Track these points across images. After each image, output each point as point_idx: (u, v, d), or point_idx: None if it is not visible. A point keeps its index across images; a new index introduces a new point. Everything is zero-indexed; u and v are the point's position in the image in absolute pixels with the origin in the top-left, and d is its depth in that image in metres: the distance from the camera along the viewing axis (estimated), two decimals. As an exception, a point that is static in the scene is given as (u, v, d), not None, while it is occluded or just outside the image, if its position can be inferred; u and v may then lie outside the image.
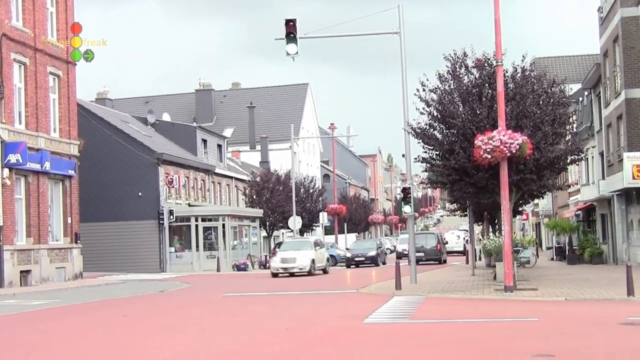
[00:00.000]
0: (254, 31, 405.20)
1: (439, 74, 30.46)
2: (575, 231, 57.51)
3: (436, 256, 59.00)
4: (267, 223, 68.55)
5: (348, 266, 58.17)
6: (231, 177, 72.28)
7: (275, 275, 44.43)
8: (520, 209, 50.61)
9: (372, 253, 58.40)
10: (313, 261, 44.85)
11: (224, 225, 57.97)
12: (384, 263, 59.91)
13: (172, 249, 56.50)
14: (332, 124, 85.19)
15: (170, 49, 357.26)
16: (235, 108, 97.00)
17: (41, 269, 39.69)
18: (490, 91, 28.99)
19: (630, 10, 41.95)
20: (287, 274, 44.55)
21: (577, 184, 58.75)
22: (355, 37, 37.78)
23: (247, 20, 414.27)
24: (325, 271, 47.62)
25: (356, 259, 58.27)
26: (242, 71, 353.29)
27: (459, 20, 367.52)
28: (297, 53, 30.68)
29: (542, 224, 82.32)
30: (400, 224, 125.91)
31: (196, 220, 57.17)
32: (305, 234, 79.72)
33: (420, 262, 50.46)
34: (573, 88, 52.73)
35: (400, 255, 66.81)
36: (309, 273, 44.26)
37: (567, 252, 55.01)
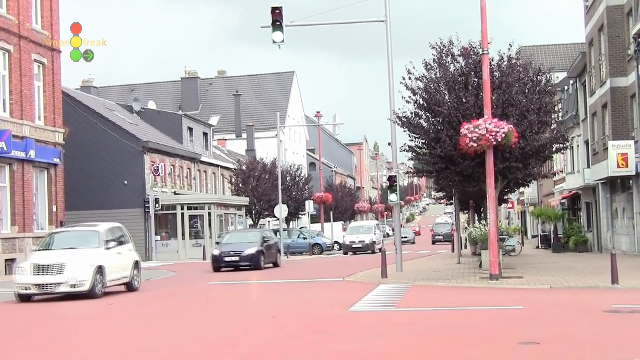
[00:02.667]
0: (247, 17, 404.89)
1: (425, 62, 30.46)
2: (561, 220, 57.73)
3: (450, 239, 73.49)
4: (254, 211, 68.55)
5: (217, 269, 39.09)
6: (217, 166, 72.18)
7: (24, 299, 24.30)
8: (505, 197, 50.72)
9: (252, 250, 39.18)
10: (101, 271, 24.68)
11: (210, 213, 57.94)
12: (275, 265, 42.04)
13: (158, 238, 56.41)
14: (318, 112, 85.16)
15: (162, 36, 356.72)
16: (222, 96, 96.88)
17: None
18: (476, 80, 28.99)
19: (615, -1, 42.03)
20: (49, 296, 24.69)
21: (562, 172, 58.91)
22: (342, 25, 37.72)
23: (241, 6, 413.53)
24: (130, 287, 27.16)
25: (227, 258, 39.18)
26: (233, 58, 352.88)
27: (448, 8, 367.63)
28: (283, 41, 30.60)
29: (527, 213, 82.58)
30: (387, 213, 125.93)
31: (182, 209, 57.11)
32: (291, 223, 79.80)
33: (438, 243, 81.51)
34: (559, 77, 52.84)
35: (349, 249, 60.31)
36: (90, 293, 24.15)
37: (552, 241, 55.20)
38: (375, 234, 61.60)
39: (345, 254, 60.21)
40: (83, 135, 52.28)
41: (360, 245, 59.93)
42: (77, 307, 22.45)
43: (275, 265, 42.16)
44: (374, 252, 56.12)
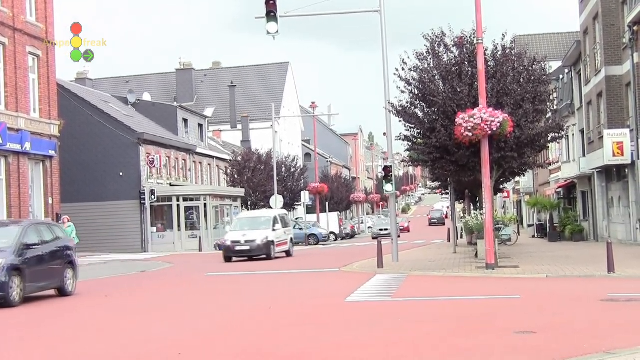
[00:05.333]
0: (241, 7, 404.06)
1: (416, 52, 30.47)
2: (556, 209, 57.78)
3: (443, 222, 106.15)
4: (249, 202, 68.53)
5: None
6: (212, 157, 72.14)
7: None
8: (501, 186, 50.79)
9: None
10: None
11: (205, 204, 57.91)
12: (61, 291, 22.99)
13: (154, 229, 56.39)
14: (313, 103, 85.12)
15: (157, 26, 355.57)
16: (216, 87, 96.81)
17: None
18: (470, 69, 29.01)
19: (610, -12, 41.98)
20: None
21: (557, 161, 58.97)
22: (337, 15, 37.59)
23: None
24: None
25: None
26: (227, 48, 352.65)
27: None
28: (277, 32, 30.55)
29: (523, 202, 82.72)
30: (382, 203, 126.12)
31: (178, 200, 57.08)
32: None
33: (434, 225, 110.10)
34: (553, 66, 52.84)
35: (231, 253, 40.24)
36: None
37: (548, 230, 55.28)
38: (274, 230, 41.28)
39: (227, 260, 39.85)
40: (78, 127, 52.22)
41: (247, 247, 39.78)
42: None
43: (62, 292, 23.01)
44: (269, 257, 39.66)
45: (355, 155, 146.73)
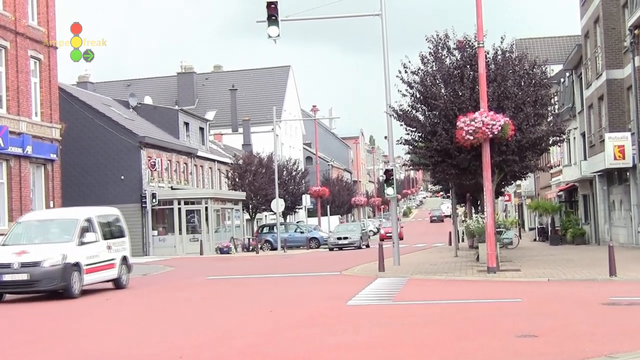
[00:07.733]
0: (242, 10, 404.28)
1: (421, 55, 30.50)
2: (558, 212, 57.77)
3: (442, 219, 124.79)
4: (250, 206, 68.53)
5: None
6: (213, 160, 72.14)
7: None
8: (502, 190, 50.73)
9: None
10: None
11: (206, 208, 57.90)
12: None
13: (155, 232, 56.39)
14: (314, 106, 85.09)
15: (158, 30, 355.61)
16: (217, 91, 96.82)
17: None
18: (472, 73, 29.04)
19: (611, -9, 41.98)
20: None
21: (559, 165, 58.96)
22: (338, 18, 37.61)
23: None
24: None
25: None
26: (228, 52, 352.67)
27: (444, 0, 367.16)
28: (278, 35, 30.54)
29: (524, 205, 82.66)
30: (383, 206, 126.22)
31: (179, 204, 57.07)
32: (288, 217, 79.81)
33: (435, 222, 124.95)
34: (554, 69, 52.83)
35: None
36: None
37: (549, 233, 55.27)
38: (83, 243, 24.17)
39: None
40: (80, 131, 52.26)
41: (23, 276, 22.59)
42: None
43: None
44: (69, 294, 23.18)
45: (356, 159, 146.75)
